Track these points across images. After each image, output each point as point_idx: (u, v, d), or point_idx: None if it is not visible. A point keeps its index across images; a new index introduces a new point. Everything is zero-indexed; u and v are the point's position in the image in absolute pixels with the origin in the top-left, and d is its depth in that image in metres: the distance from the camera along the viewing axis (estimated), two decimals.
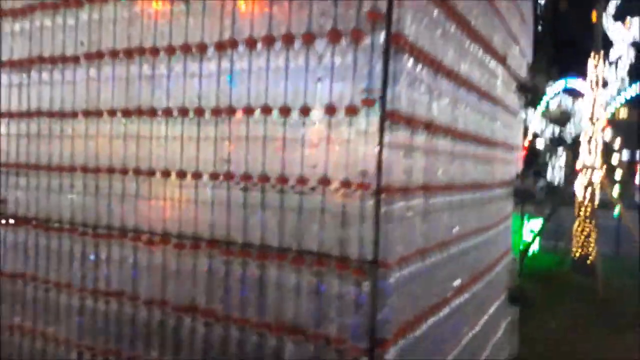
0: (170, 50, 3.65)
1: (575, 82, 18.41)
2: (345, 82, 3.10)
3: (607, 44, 15.62)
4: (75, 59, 4.06)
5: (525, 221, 12.23)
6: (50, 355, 4.21)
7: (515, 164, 6.56)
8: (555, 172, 28.36)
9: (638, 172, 31.86)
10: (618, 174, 18.42)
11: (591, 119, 13.30)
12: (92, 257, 4.01)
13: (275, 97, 3.29)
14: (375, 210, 3.01)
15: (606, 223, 14.48)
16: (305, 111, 3.20)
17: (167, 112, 3.68)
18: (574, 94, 20.55)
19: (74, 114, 4.08)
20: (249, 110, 3.37)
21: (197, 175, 3.57)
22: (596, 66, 13.12)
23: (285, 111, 3.25)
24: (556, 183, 27.34)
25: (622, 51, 17.81)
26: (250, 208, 3.39)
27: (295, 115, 3.23)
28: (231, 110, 3.44)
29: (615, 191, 13.95)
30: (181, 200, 3.66)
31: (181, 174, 3.64)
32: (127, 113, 3.85)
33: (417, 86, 3.30)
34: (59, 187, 4.17)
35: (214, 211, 3.52)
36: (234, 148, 3.45)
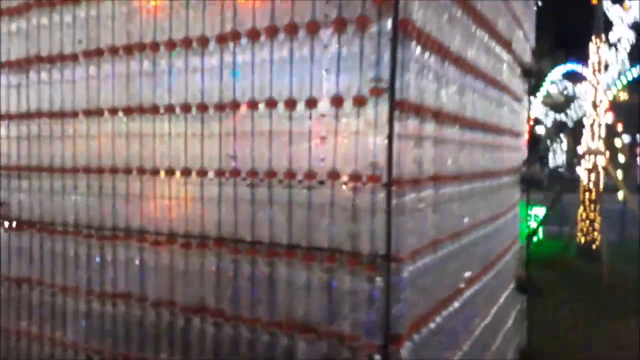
0: (171, 45, 3.58)
1: (575, 67, 18.37)
2: (352, 72, 3.01)
3: (606, 27, 15.53)
4: (74, 58, 4.00)
5: (532, 208, 12.18)
6: None
7: (521, 150, 6.50)
8: (558, 157, 28.33)
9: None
10: (621, 158, 18.36)
11: (594, 102, 13.23)
12: (97, 259, 3.96)
13: (280, 89, 3.21)
14: (387, 203, 2.92)
15: (610, 207, 14.44)
16: (311, 103, 3.12)
17: (170, 109, 3.62)
18: (574, 78, 20.50)
19: (74, 114, 4.03)
20: (253, 105, 3.30)
21: (202, 173, 3.51)
22: (597, 50, 13.03)
23: (290, 104, 3.17)
24: (559, 169, 27.30)
25: (621, 33, 17.73)
26: (257, 205, 3.33)
27: (301, 108, 3.15)
28: (235, 105, 3.37)
29: (619, 175, 13.86)
30: (187, 198, 3.60)
31: (186, 172, 3.57)
32: (128, 111, 3.78)
33: (426, 74, 3.22)
34: (62, 189, 4.12)
35: (221, 209, 3.45)
36: (239, 144, 3.38)
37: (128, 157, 3.81)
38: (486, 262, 4.72)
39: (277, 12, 3.21)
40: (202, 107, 3.48)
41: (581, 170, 13.40)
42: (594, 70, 13.19)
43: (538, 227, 13.01)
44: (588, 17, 13.50)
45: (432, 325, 3.38)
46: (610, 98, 14.82)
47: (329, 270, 3.10)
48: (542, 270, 10.10)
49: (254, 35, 3.28)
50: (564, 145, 28.06)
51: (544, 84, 18.60)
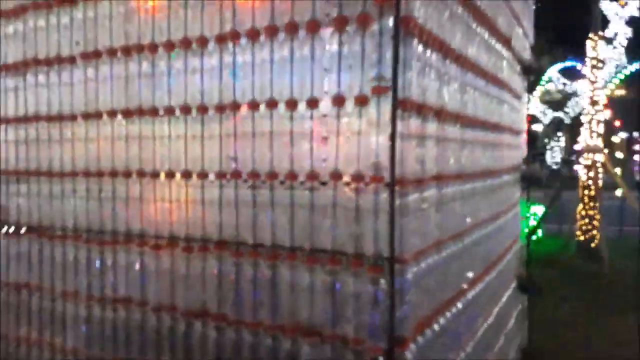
0: (170, 46, 3.54)
1: (572, 63, 18.36)
2: (353, 71, 2.97)
3: (604, 24, 15.52)
4: (72, 60, 3.95)
5: (531, 206, 12.17)
6: None
7: (521, 148, 6.48)
8: (555, 154, 28.33)
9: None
10: (619, 154, 18.37)
11: (592, 99, 13.21)
12: (97, 263, 3.92)
13: (281, 90, 3.17)
14: (390, 203, 2.88)
15: (609, 203, 14.42)
16: (312, 103, 3.08)
17: (169, 111, 3.57)
18: (572, 75, 20.48)
19: (72, 117, 3.98)
20: (254, 105, 3.26)
21: (203, 175, 3.46)
22: (595, 46, 13.02)
23: (291, 104, 3.13)
24: (556, 166, 27.31)
25: (618, 28, 17.71)
26: (259, 207, 3.28)
27: (302, 108, 3.11)
28: (235, 106, 3.32)
29: (618, 171, 13.84)
30: (187, 201, 3.56)
31: (186, 174, 3.53)
32: (127, 113, 3.74)
33: (428, 72, 3.18)
34: (61, 193, 4.07)
35: (222, 211, 3.40)
36: (240, 145, 3.33)
37: (128, 160, 3.76)
38: (488, 262, 4.69)
39: (276, 12, 3.17)
40: (202, 109, 3.44)
41: (580, 168, 13.37)
42: (592, 67, 13.17)
43: (538, 225, 12.98)
44: (585, 14, 13.48)
45: (436, 327, 3.34)
46: (608, 94, 14.79)
47: (332, 272, 3.06)
48: (541, 268, 10.10)
49: (253, 35, 3.23)
50: (561, 143, 28.06)
51: (541, 81, 18.59)
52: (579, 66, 17.67)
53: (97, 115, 3.86)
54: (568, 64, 19.41)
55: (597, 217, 13.03)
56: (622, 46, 16.67)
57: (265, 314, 3.28)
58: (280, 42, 3.16)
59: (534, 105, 20.27)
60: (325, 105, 3.05)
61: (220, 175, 3.40)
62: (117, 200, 3.83)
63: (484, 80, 4.36)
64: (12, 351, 4.32)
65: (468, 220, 4.08)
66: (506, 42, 5.01)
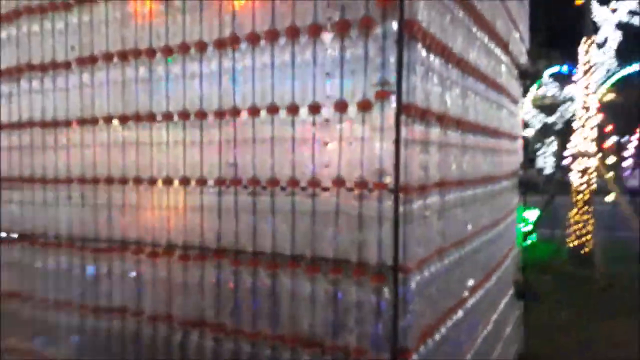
0: (168, 51, 3.48)
1: (562, 68, 18.44)
2: (356, 76, 2.91)
3: (594, 29, 15.59)
4: (67, 65, 3.90)
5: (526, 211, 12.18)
6: None
7: (518, 153, 6.46)
8: (547, 160, 28.37)
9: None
10: (610, 159, 18.40)
11: (584, 104, 13.21)
12: (92, 272, 3.84)
13: (282, 95, 3.11)
14: (395, 210, 2.82)
15: (601, 208, 14.43)
16: (314, 109, 3.01)
17: (167, 117, 3.51)
18: (563, 80, 20.56)
19: (67, 123, 3.93)
20: (254, 111, 3.19)
21: (201, 182, 3.40)
22: (587, 51, 13.03)
23: (293, 110, 3.07)
24: (548, 171, 27.35)
25: (608, 33, 17.79)
26: (259, 214, 3.21)
27: (304, 113, 3.04)
28: (235, 111, 3.26)
29: (610, 176, 13.83)
30: (186, 208, 3.49)
31: (185, 181, 3.47)
32: (124, 119, 3.68)
33: (431, 76, 3.13)
34: (56, 200, 4.01)
35: (221, 219, 3.34)
36: (240, 151, 3.27)
37: (124, 167, 3.70)
38: (488, 269, 4.66)
39: (277, 15, 3.11)
40: (201, 114, 3.38)
41: (572, 173, 13.37)
42: (585, 72, 13.18)
43: (533, 230, 12.97)
44: (576, 19, 13.50)
45: (437, 336, 3.29)
46: (599, 96, 14.84)
47: (334, 281, 3.00)
48: (536, 274, 10.12)
49: (254, 39, 3.18)
50: (553, 148, 28.08)
51: (533, 86, 18.64)
52: (564, 68, 17.74)
53: (93, 121, 3.80)
54: (557, 69, 19.51)
55: (591, 221, 13.02)
56: (612, 50, 16.77)
57: (264, 323, 3.22)
58: (281, 47, 3.10)
59: (526, 109, 20.31)
60: (328, 110, 2.99)
61: (220, 181, 3.33)
62: (113, 207, 3.77)
63: (483, 84, 4.32)
64: None
65: (469, 227, 4.03)
66: (504, 46, 4.98)
